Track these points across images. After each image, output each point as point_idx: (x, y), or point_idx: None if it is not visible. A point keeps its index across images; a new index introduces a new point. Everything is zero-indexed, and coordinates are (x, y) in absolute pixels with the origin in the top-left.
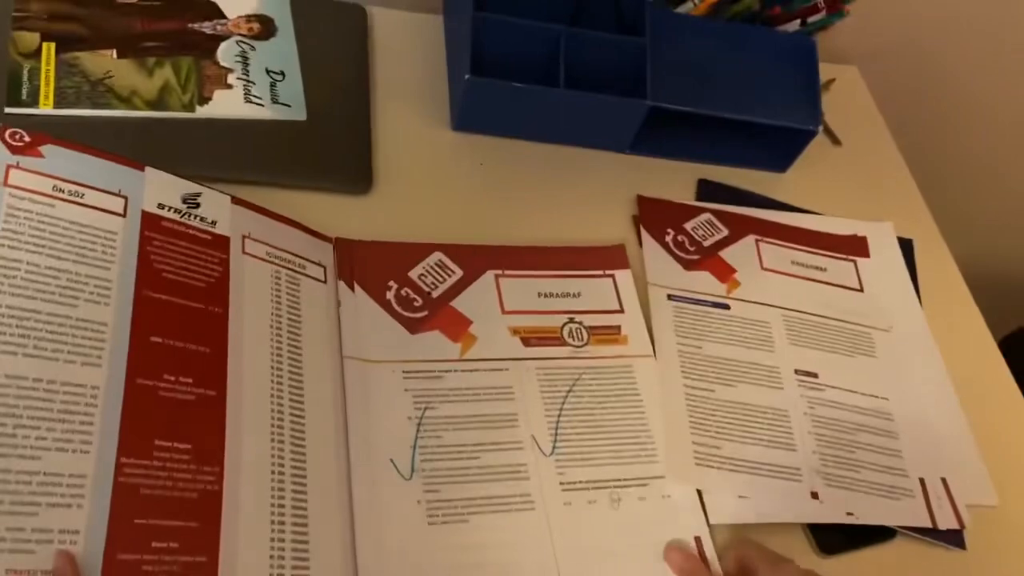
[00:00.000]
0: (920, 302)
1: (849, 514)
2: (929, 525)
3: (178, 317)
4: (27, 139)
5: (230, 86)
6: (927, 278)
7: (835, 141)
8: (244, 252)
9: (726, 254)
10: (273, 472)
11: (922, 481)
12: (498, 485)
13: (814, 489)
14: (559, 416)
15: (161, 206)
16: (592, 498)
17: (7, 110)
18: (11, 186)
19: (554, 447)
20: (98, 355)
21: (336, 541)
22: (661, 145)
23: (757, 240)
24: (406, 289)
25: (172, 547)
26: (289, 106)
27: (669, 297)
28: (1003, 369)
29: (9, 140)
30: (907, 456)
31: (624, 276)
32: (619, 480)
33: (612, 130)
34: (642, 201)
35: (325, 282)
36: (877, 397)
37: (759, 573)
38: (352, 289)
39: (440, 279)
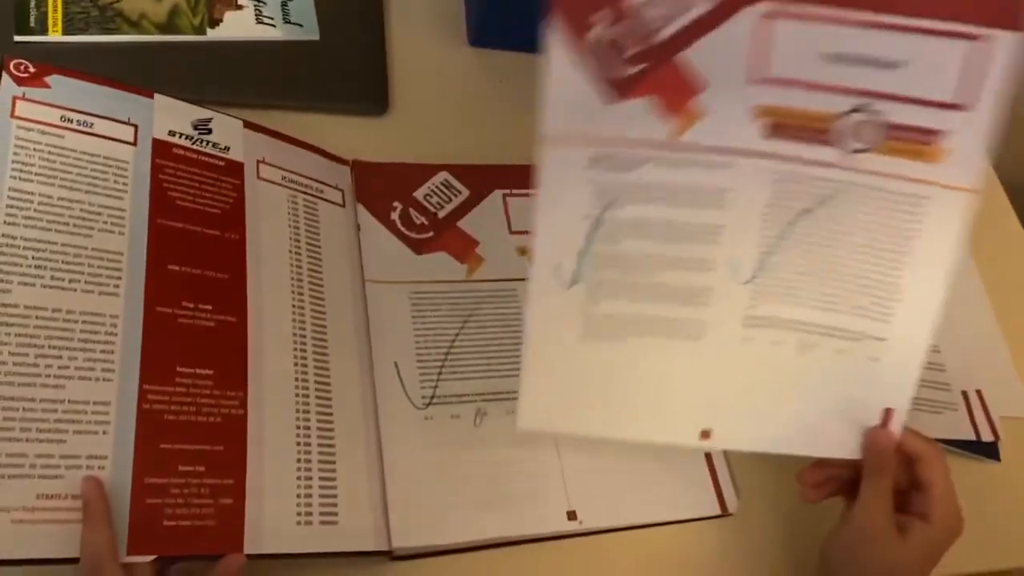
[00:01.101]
0: None
1: None
2: (972, 438)
3: (194, 244)
4: (32, 70)
5: (241, 7)
6: None
7: None
8: (259, 177)
9: None
10: (297, 395)
11: (964, 394)
12: (670, 307)
13: None
14: (779, 241)
15: (172, 133)
16: (778, 339)
17: (16, 38)
18: (19, 118)
19: (756, 274)
20: (115, 284)
21: (362, 461)
22: None
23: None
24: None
25: (199, 470)
26: (301, 25)
27: None
28: None
29: (14, 71)
30: (950, 370)
31: None
32: (823, 327)
33: None
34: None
35: (343, 206)
36: None
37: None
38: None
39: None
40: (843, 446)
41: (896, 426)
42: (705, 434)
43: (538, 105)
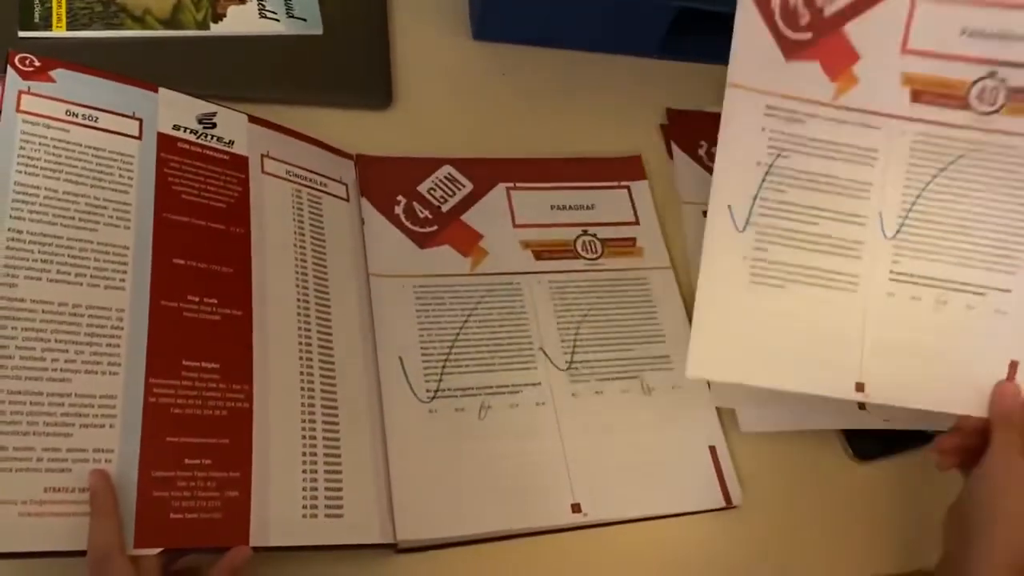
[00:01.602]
0: None
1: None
2: None
3: (199, 238)
4: (37, 64)
5: (244, 1)
6: None
7: None
8: (263, 172)
9: None
10: (303, 388)
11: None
12: (828, 259)
13: None
14: (917, 198)
15: (177, 127)
16: (918, 294)
17: (21, 34)
18: (24, 112)
19: (899, 230)
20: (121, 278)
21: (367, 454)
22: (692, 48)
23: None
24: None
25: (205, 463)
26: (304, 20)
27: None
28: None
29: (19, 65)
30: None
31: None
32: (955, 282)
33: (639, 32)
34: (672, 114)
35: (347, 200)
36: None
37: None
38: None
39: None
40: (972, 402)
41: (1023, 379)
42: (859, 387)
43: (731, 54)
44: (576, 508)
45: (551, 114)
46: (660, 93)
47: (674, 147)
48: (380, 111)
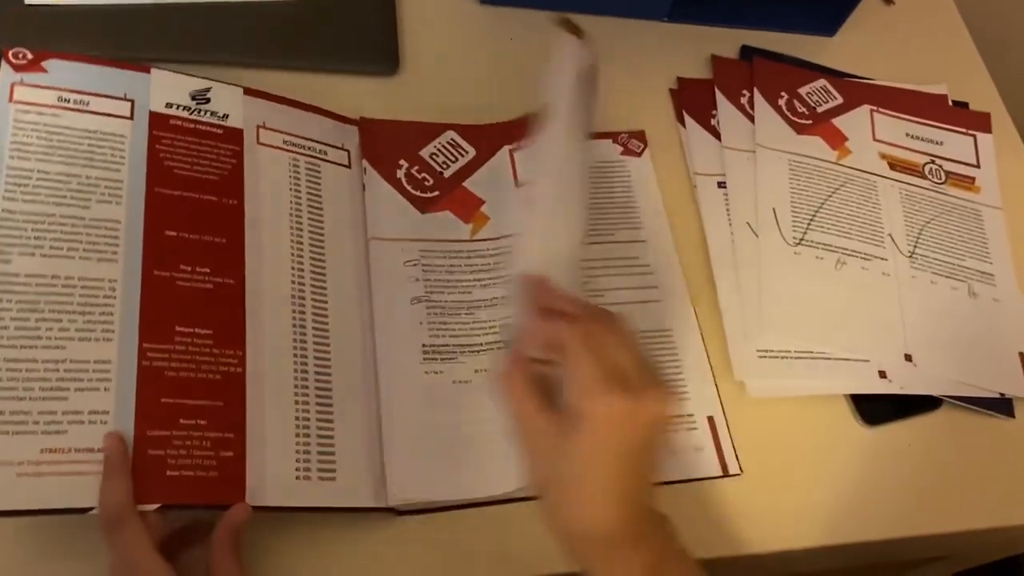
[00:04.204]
0: None
1: None
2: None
3: (191, 211)
4: (29, 57)
5: None
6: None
7: (887, 0)
8: (259, 143)
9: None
10: (295, 353)
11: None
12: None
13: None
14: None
15: (169, 105)
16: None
17: (27, 1)
18: (17, 102)
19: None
20: (113, 251)
21: (360, 418)
22: (701, 10)
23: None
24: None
25: (200, 423)
26: None
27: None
28: None
29: (12, 60)
30: None
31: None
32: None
33: None
34: (683, 83)
35: (349, 167)
36: None
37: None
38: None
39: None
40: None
41: None
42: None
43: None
44: None
45: None
46: (669, 58)
47: (686, 116)
48: (387, 77)
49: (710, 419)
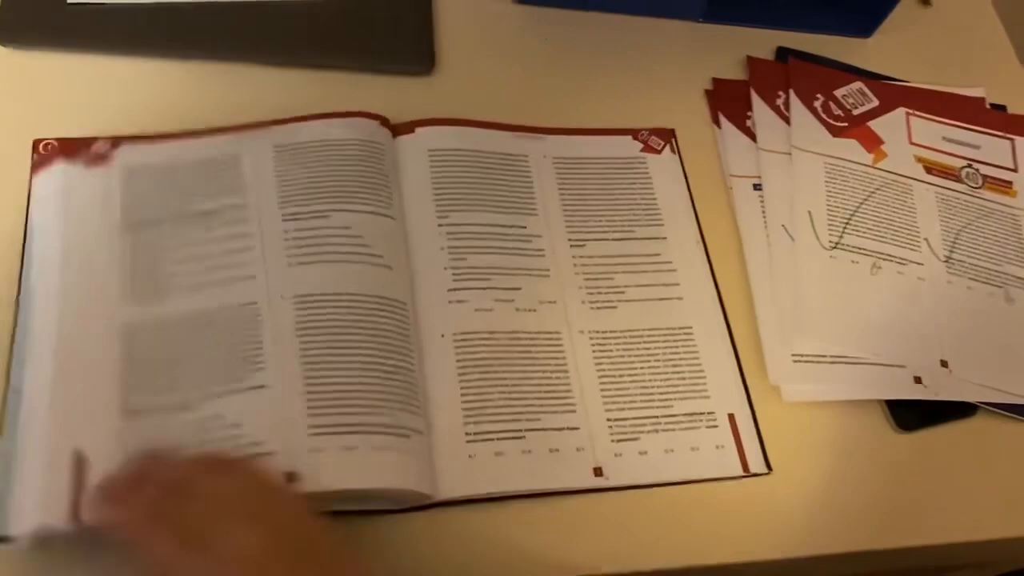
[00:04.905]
0: None
1: None
2: None
3: None
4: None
5: None
6: None
7: (925, 2)
8: None
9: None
10: None
11: None
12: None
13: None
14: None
15: None
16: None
17: (69, 0)
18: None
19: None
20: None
21: None
22: (737, 11)
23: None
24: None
25: None
26: None
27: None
28: None
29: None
30: None
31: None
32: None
33: None
34: (718, 83)
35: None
36: None
37: None
38: None
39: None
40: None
41: None
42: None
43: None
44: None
45: (594, 80)
46: (704, 59)
47: (721, 117)
48: (422, 77)
49: (731, 416)
